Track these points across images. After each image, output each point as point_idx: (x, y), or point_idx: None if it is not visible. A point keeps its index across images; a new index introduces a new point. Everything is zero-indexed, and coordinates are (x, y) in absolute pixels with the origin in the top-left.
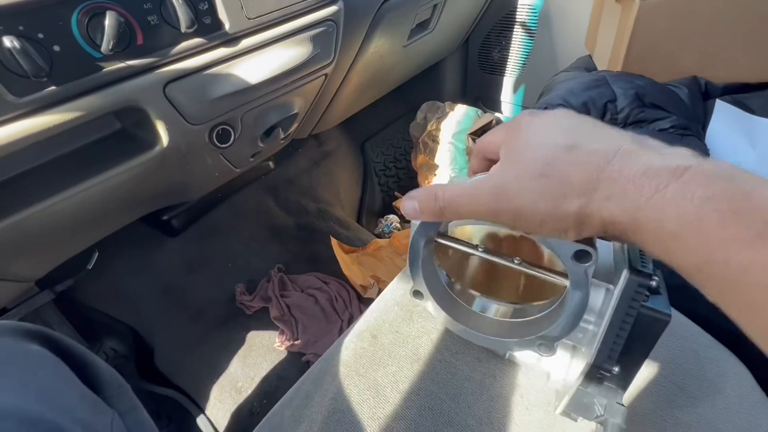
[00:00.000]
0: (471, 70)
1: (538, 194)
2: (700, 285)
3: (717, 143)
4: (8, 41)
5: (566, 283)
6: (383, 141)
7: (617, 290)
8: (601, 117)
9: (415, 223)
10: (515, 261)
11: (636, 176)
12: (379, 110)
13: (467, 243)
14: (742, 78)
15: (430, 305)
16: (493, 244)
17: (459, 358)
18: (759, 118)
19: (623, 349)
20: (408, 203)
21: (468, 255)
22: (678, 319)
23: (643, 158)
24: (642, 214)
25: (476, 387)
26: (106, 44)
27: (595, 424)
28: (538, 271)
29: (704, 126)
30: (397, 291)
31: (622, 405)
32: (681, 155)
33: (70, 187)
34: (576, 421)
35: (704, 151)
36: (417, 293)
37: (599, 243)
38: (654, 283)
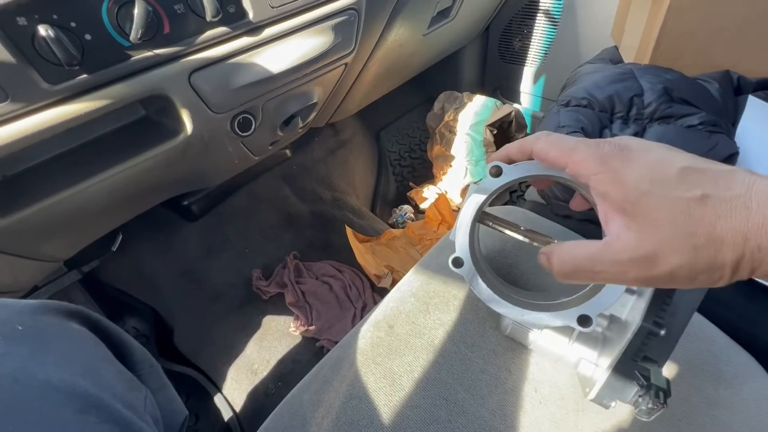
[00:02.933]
0: (490, 59)
1: (691, 256)
2: None
3: (747, 140)
4: (43, 30)
5: None
6: (399, 130)
7: None
8: (627, 112)
9: (472, 192)
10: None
11: None
12: (395, 99)
13: (509, 223)
14: None
15: (467, 274)
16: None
17: (474, 351)
18: None
19: (670, 309)
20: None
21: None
22: (698, 320)
23: None
24: None
25: (491, 379)
26: (135, 33)
27: (609, 420)
28: None
29: (735, 122)
30: (413, 283)
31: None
32: None
33: (99, 173)
34: (607, 408)
35: (733, 149)
36: (457, 260)
37: None
38: None
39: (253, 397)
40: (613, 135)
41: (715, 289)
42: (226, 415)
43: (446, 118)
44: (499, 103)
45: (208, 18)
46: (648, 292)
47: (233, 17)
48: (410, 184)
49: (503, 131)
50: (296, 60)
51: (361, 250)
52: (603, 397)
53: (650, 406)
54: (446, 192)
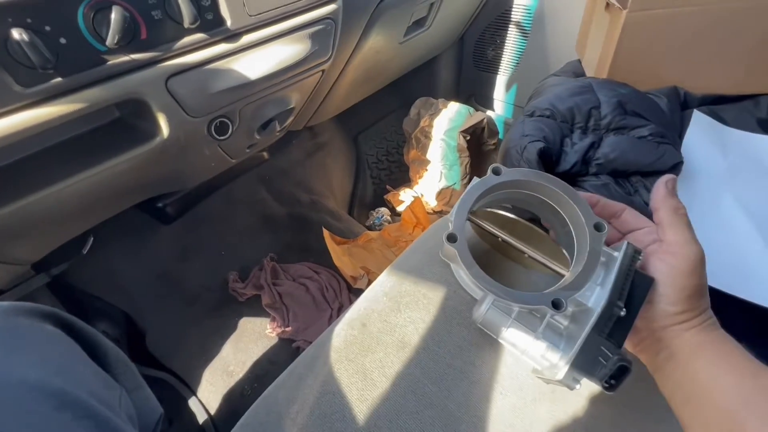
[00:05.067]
0: (465, 67)
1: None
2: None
3: (692, 152)
4: (17, 33)
5: (564, 272)
6: (377, 134)
7: (622, 251)
8: (586, 122)
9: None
10: (526, 255)
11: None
12: (373, 104)
13: (494, 228)
14: (718, 90)
15: (459, 249)
16: (509, 229)
17: (442, 347)
18: (731, 129)
19: (628, 296)
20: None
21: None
22: None
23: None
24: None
25: (457, 373)
26: (111, 38)
27: (563, 408)
28: (543, 261)
29: (681, 134)
30: (386, 283)
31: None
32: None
33: (71, 176)
34: (572, 388)
35: (678, 158)
36: (451, 236)
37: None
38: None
39: (228, 398)
40: (573, 144)
41: None
42: (201, 418)
43: (422, 124)
44: (472, 110)
45: (186, 25)
46: (610, 283)
47: (211, 24)
48: (387, 187)
49: (476, 137)
50: (273, 67)
51: (337, 252)
52: (571, 374)
53: (613, 381)
54: (422, 195)
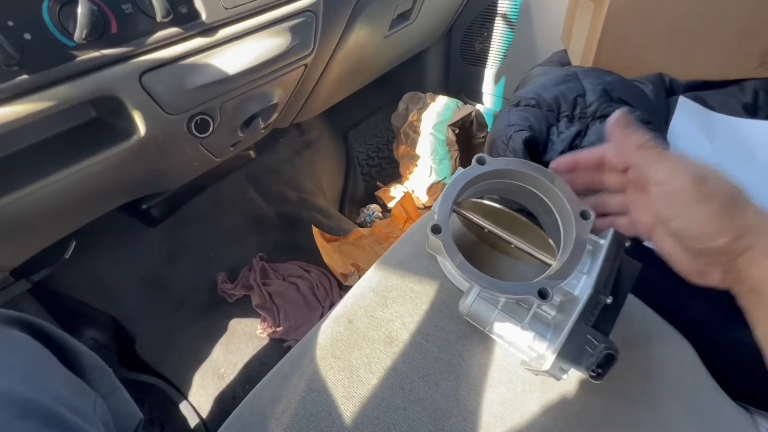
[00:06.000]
0: (453, 60)
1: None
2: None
3: (678, 137)
4: None
5: (551, 261)
6: (367, 130)
7: (608, 239)
8: (572, 111)
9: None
10: (512, 245)
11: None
12: (362, 100)
13: (480, 218)
14: (703, 75)
15: (443, 240)
16: (495, 220)
17: (429, 340)
18: (717, 114)
19: (613, 285)
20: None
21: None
22: (634, 302)
23: None
24: None
25: (445, 367)
26: (79, 33)
27: (553, 398)
28: (530, 251)
29: (667, 121)
30: (373, 278)
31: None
32: None
33: (47, 176)
34: (559, 379)
35: (664, 145)
36: (435, 228)
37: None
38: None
39: (219, 401)
40: (559, 132)
41: (649, 273)
42: (193, 422)
43: (410, 118)
44: (460, 103)
45: (159, 18)
46: (596, 271)
47: (185, 18)
48: (377, 183)
49: (465, 131)
50: (253, 61)
51: (327, 250)
52: (558, 364)
53: (600, 370)
54: (412, 191)
